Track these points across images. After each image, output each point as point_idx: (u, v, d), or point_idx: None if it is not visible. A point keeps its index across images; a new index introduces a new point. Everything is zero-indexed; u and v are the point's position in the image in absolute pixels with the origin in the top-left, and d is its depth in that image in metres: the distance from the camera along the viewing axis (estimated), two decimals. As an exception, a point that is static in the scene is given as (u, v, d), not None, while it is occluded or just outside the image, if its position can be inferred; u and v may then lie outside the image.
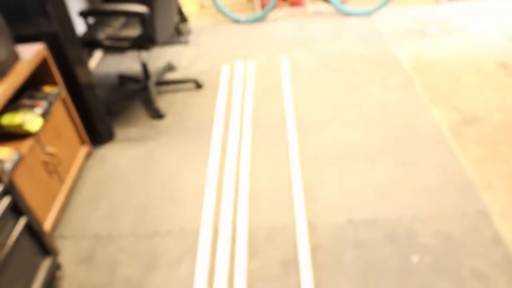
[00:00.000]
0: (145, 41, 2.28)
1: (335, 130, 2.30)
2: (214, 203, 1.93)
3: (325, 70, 2.83)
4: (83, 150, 2.22)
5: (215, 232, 1.80)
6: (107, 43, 2.31)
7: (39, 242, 1.53)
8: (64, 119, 2.06)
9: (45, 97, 1.91)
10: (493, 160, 2.02)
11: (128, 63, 3.13)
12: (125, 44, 2.31)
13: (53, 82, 1.99)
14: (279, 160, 2.14)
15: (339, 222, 1.79)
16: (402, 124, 2.30)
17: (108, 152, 2.32)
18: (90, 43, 2.31)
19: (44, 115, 1.84)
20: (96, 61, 3.19)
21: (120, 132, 2.45)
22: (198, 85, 2.75)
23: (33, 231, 1.49)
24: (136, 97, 2.72)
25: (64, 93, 2.05)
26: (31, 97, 1.89)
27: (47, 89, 1.96)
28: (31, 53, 1.81)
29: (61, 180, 1.98)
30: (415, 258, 1.62)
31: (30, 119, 1.75)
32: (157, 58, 3.17)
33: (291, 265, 1.64)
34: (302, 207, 1.86)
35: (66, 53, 2.01)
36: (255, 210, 1.88)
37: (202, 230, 1.81)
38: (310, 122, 2.37)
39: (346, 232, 1.75)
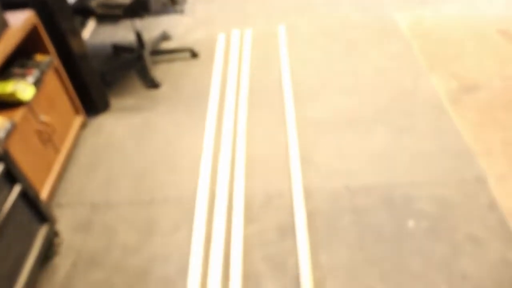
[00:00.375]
0: (138, 8, 2.23)
1: (333, 96, 2.28)
2: (210, 170, 1.93)
3: (323, 38, 2.77)
4: (78, 119, 2.20)
5: (212, 198, 1.80)
6: (99, 10, 2.26)
7: (35, 209, 1.53)
8: (57, 88, 2.03)
9: (37, 65, 1.87)
10: (491, 126, 2.01)
11: (123, 33, 3.07)
12: (118, 11, 2.25)
13: (44, 51, 1.95)
14: (275, 127, 2.12)
15: (336, 188, 1.79)
16: (400, 91, 2.27)
17: (104, 121, 2.30)
18: (81, 11, 2.26)
19: (36, 83, 1.81)
20: (89, 31, 3.13)
21: (116, 102, 2.43)
22: (194, 54, 2.70)
23: (29, 199, 1.49)
24: (131, 67, 2.68)
25: (57, 62, 2.01)
26: (23, 65, 1.85)
27: (39, 57, 1.92)
28: (20, 20, 1.77)
29: (56, 150, 1.97)
30: (411, 223, 1.63)
31: (22, 88, 1.72)
32: (152, 27, 3.10)
33: (287, 230, 1.64)
34: (298, 173, 1.85)
35: (57, 21, 1.96)
36: (252, 176, 1.88)
37: (199, 197, 1.81)
38: (307, 89, 2.34)
39: (343, 197, 1.75)
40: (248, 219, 1.71)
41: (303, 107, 2.22)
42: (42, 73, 1.88)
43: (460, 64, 2.41)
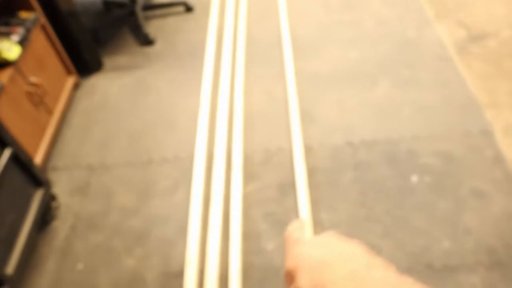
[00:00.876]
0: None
1: (333, 49, 2.18)
2: (208, 128, 1.88)
3: (323, -13, 2.63)
4: (70, 80, 2.12)
5: (210, 156, 1.76)
6: (85, -38, 2.12)
7: (29, 173, 1.49)
8: (46, 47, 1.95)
9: (22, 23, 1.78)
10: (499, 77, 1.93)
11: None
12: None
13: (29, 7, 1.85)
14: (274, 82, 2.05)
15: (337, 143, 1.74)
16: (403, 41, 2.17)
17: (97, 81, 2.23)
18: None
19: (22, 42, 1.73)
20: (78, -14, 2.98)
21: (109, 61, 2.34)
22: (188, 8, 2.58)
23: (21, 162, 1.45)
24: (123, 23, 2.57)
25: (43, 19, 1.91)
26: (6, 23, 1.76)
27: (24, 14, 1.83)
28: (0, -27, 1.66)
29: (49, 112, 1.91)
30: (414, 178, 1.59)
31: (7, 47, 1.64)
32: (144, -19, 2.95)
33: (287, 187, 1.61)
34: (298, 129, 1.80)
35: (40, -27, 1.85)
36: (251, 133, 1.83)
37: (197, 155, 1.77)
38: (306, 42, 2.24)
39: (344, 153, 1.70)
40: (248, 176, 1.67)
41: (302, 61, 2.13)
42: (28, 31, 1.79)
43: (468, 12, 2.29)
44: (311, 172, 1.65)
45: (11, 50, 1.65)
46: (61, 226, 1.64)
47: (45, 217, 1.63)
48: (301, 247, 0.40)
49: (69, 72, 2.13)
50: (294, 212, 1.53)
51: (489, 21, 2.21)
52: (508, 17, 2.22)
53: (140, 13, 2.47)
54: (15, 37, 1.70)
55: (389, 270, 0.34)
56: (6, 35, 1.70)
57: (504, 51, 2.04)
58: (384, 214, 1.50)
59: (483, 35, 2.14)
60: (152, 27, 2.52)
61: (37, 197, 1.53)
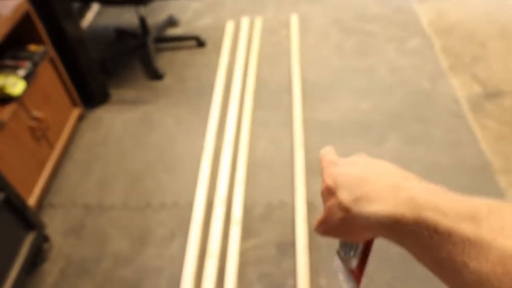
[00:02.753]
0: (141, -6, 2.09)
1: (343, 97, 2.13)
2: (210, 174, 1.82)
3: (337, 30, 2.61)
4: (75, 112, 2.10)
5: (210, 206, 1.71)
6: (100, -5, 2.12)
7: (21, 216, 1.45)
8: (53, 80, 1.93)
9: (30, 57, 1.76)
10: (514, 139, 1.86)
11: (129, 16, 2.92)
12: (119, -3, 2.12)
13: (38, 40, 1.83)
14: (281, 129, 2.00)
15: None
16: (416, 93, 2.12)
17: (103, 114, 2.20)
18: (80, -4, 2.13)
19: (28, 76, 1.70)
20: (93, 13, 2.99)
21: (116, 93, 2.32)
22: (200, 43, 2.56)
23: (14, 206, 1.41)
24: (134, 55, 2.56)
25: (52, 52, 1.90)
26: (14, 57, 1.74)
27: (33, 48, 1.81)
28: (10, 7, 1.64)
29: (51, 145, 1.88)
30: (419, 246, 1.51)
31: (12, 82, 1.62)
32: (159, 11, 2.95)
33: (287, 247, 1.55)
34: (302, 183, 1.74)
35: (52, 6, 1.84)
36: (253, 184, 1.77)
37: (196, 205, 1.71)
38: (316, 87, 2.20)
39: (348, 213, 1.64)
40: (246, 232, 1.61)
41: (311, 108, 2.08)
42: (36, 65, 1.77)
43: (484, 66, 2.24)
44: (313, 231, 1.58)
45: (16, 85, 1.63)
46: (51, 269, 1.58)
47: (36, 259, 1.58)
48: (338, 167, 0.43)
49: (74, 104, 2.10)
50: (291, 274, 1.47)
51: (505, 77, 2.16)
52: (525, 75, 2.17)
53: (151, 45, 2.45)
54: (22, 72, 1.68)
55: (423, 181, 0.37)
56: (13, 69, 1.68)
57: (520, 111, 1.98)
58: (386, 285, 1.42)
59: (498, 93, 2.08)
60: (163, 60, 2.50)
61: (29, 240, 1.48)
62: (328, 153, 0.48)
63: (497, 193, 1.65)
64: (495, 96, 2.06)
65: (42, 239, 1.57)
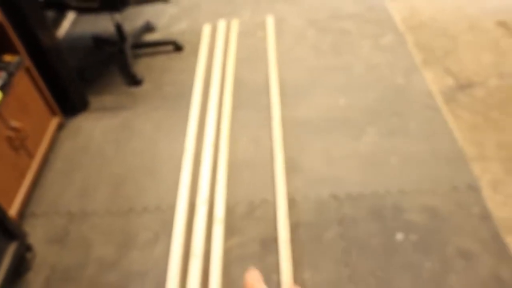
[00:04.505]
0: (115, 1, 2.10)
1: (321, 95, 2.17)
2: (191, 177, 1.84)
3: (313, 30, 2.65)
4: (54, 121, 2.09)
5: (192, 208, 1.72)
6: (74, 3, 2.12)
7: (3, 227, 1.44)
8: (30, 90, 1.92)
9: (5, 67, 1.75)
10: (486, 128, 1.92)
11: (105, 23, 2.91)
12: (94, 4, 2.12)
13: (13, 50, 1.83)
14: (260, 128, 2.02)
15: (322, 197, 1.71)
16: (392, 88, 2.17)
17: (82, 122, 2.20)
18: (54, 4, 2.12)
19: (4, 87, 1.70)
20: (69, 21, 2.98)
21: (95, 100, 2.31)
22: (178, 47, 2.58)
23: (-6, 217, 1.40)
24: (112, 62, 2.56)
25: (28, 62, 1.89)
26: (-11, 67, 1.74)
27: (7, 58, 1.80)
28: (-17, 19, 1.64)
29: (30, 155, 1.87)
30: (399, 236, 1.55)
31: (-13, 93, 1.61)
32: (135, 17, 2.96)
33: (270, 243, 1.57)
34: (283, 181, 1.76)
35: (25, 16, 1.83)
36: (234, 183, 1.80)
37: (179, 207, 1.73)
38: (294, 87, 2.23)
39: (329, 207, 1.67)
40: (229, 230, 1.63)
41: (290, 107, 2.11)
42: (11, 75, 1.76)
43: (455, 59, 2.30)
44: (295, 227, 1.61)
45: (-8, 96, 1.62)
46: (35, 279, 1.58)
47: (19, 269, 1.57)
48: None
49: (53, 113, 2.09)
50: (275, 270, 1.49)
51: (476, 69, 2.22)
52: (495, 66, 2.23)
53: (129, 52, 2.46)
54: (-3, 82, 1.68)
55: None
56: (-13, 80, 1.67)
57: (492, 101, 2.04)
58: (368, 274, 1.46)
59: (470, 84, 2.14)
60: (141, 66, 2.51)
61: (11, 250, 1.47)
62: (255, 281, 0.44)
63: (471, 179, 1.70)
64: (467, 88, 2.12)
65: (25, 249, 1.57)
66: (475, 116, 1.98)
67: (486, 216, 1.59)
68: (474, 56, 2.31)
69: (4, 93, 1.69)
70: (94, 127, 2.15)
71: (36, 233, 1.71)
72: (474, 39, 2.43)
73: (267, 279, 1.47)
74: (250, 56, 2.49)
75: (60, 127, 2.14)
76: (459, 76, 2.19)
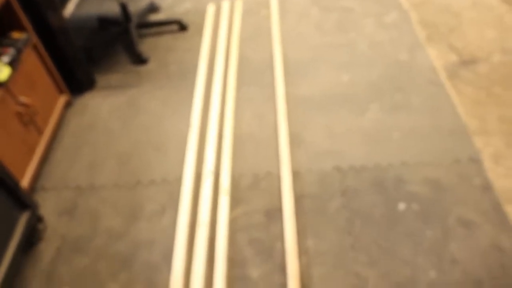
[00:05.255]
0: (121, -20, 2.11)
1: (324, 72, 2.19)
2: (197, 150, 1.87)
3: (316, 8, 2.65)
4: (62, 99, 2.12)
5: (198, 180, 1.76)
6: (79, -18, 2.13)
7: (15, 197, 1.49)
8: (37, 67, 1.95)
9: (13, 43, 1.78)
10: (489, 103, 1.93)
11: (110, 4, 2.94)
12: (99, -17, 2.13)
13: (21, 28, 1.85)
14: (265, 104, 2.05)
15: (325, 169, 1.74)
16: (395, 65, 2.18)
17: (89, 100, 2.23)
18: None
19: (13, 63, 1.73)
20: (74, 2, 3.00)
21: (101, 79, 2.35)
22: (182, 27, 2.59)
23: (7, 186, 1.44)
24: (117, 42, 2.58)
25: (35, 39, 1.92)
26: (-2, 44, 1.77)
27: (16, 35, 1.83)
28: (-9, -5, 1.66)
29: (39, 131, 1.91)
30: (401, 206, 1.58)
31: (-4, 68, 1.65)
32: (140, -3, 2.97)
33: (274, 213, 1.61)
34: (287, 154, 1.79)
35: (33, -5, 1.86)
36: (239, 157, 1.83)
37: (185, 179, 1.76)
38: (298, 64, 2.25)
39: (332, 179, 1.70)
40: (235, 201, 1.67)
41: (294, 84, 2.13)
42: (19, 51, 1.79)
43: (459, 36, 2.30)
44: (299, 198, 1.64)
45: (1, 71, 1.65)
46: (46, 248, 1.62)
47: (31, 239, 1.62)
48: None
49: (60, 91, 2.13)
50: (280, 239, 1.52)
51: (480, 45, 2.23)
52: (499, 42, 2.24)
53: (134, 31, 2.48)
54: (6, 58, 1.71)
55: None
56: (-4, 56, 1.71)
57: (495, 76, 2.05)
58: (371, 243, 1.49)
59: (474, 60, 2.15)
60: (146, 45, 2.53)
61: (23, 220, 1.52)
62: None
63: (473, 152, 1.73)
64: (470, 64, 2.13)
65: (36, 219, 1.61)
66: (478, 91, 1.99)
67: (487, 187, 1.61)
68: (477, 33, 2.31)
69: (13, 69, 1.72)
70: (100, 105, 2.19)
71: (47, 206, 1.76)
72: (478, 15, 2.42)
73: (271, 247, 1.51)
74: (254, 35, 2.51)
75: (67, 105, 2.17)
76: (462, 52, 2.20)
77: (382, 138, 1.83)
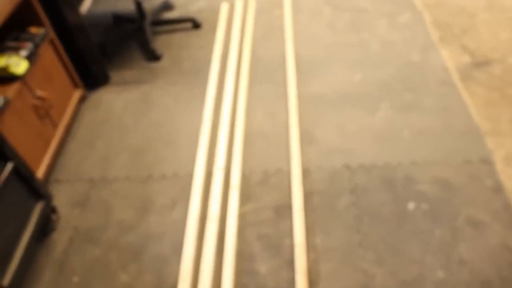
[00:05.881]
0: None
1: (337, 71, 2.20)
2: (208, 146, 1.90)
3: (329, 7, 2.66)
4: (77, 93, 2.17)
5: (209, 175, 1.78)
6: (96, -21, 2.17)
7: (30, 186, 1.52)
8: (54, 62, 1.99)
9: (31, 38, 1.83)
10: (502, 104, 1.92)
11: (125, 1, 2.98)
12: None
13: (39, 23, 1.90)
14: (276, 102, 2.06)
15: (335, 167, 1.75)
16: (407, 65, 2.18)
17: (103, 95, 2.27)
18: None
19: (31, 57, 1.77)
20: (90, 0, 3.05)
21: (116, 75, 2.38)
22: (196, 25, 2.62)
23: (22, 176, 1.48)
24: (131, 38, 2.62)
25: (52, 34, 1.96)
26: (16, 38, 1.81)
27: (33, 30, 1.87)
28: (10, -10, 1.71)
29: (54, 125, 1.95)
30: (411, 205, 1.58)
31: (15, 62, 1.68)
32: (155, -4, 3.00)
33: (284, 210, 1.62)
34: (297, 151, 1.81)
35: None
36: (250, 153, 1.85)
37: (196, 174, 1.79)
38: (310, 63, 2.26)
39: (342, 177, 1.71)
40: (244, 197, 1.68)
41: (306, 82, 2.15)
42: (37, 46, 1.83)
43: (473, 37, 2.29)
44: (308, 195, 1.66)
45: (19, 65, 1.69)
46: (59, 239, 1.66)
47: (45, 229, 1.66)
48: None
49: (76, 86, 2.17)
50: (289, 235, 1.54)
51: (494, 47, 2.21)
52: (513, 44, 2.22)
53: (148, 29, 2.51)
54: (24, 52, 1.75)
55: None
56: (15, 50, 1.75)
57: (509, 78, 2.04)
58: (379, 241, 1.49)
59: (487, 61, 2.13)
60: (159, 43, 2.57)
61: (37, 209, 1.56)
62: None
63: (484, 153, 1.72)
64: (484, 65, 2.12)
65: (50, 210, 1.65)
66: (491, 93, 1.98)
67: (498, 189, 1.60)
68: (492, 34, 2.29)
69: (31, 63, 1.76)
70: (114, 100, 2.22)
71: (60, 197, 1.80)
72: (492, 17, 2.41)
73: (280, 243, 1.52)
74: (267, 33, 2.52)
75: (82, 100, 2.21)
76: (476, 53, 2.19)
77: (392, 137, 1.83)
